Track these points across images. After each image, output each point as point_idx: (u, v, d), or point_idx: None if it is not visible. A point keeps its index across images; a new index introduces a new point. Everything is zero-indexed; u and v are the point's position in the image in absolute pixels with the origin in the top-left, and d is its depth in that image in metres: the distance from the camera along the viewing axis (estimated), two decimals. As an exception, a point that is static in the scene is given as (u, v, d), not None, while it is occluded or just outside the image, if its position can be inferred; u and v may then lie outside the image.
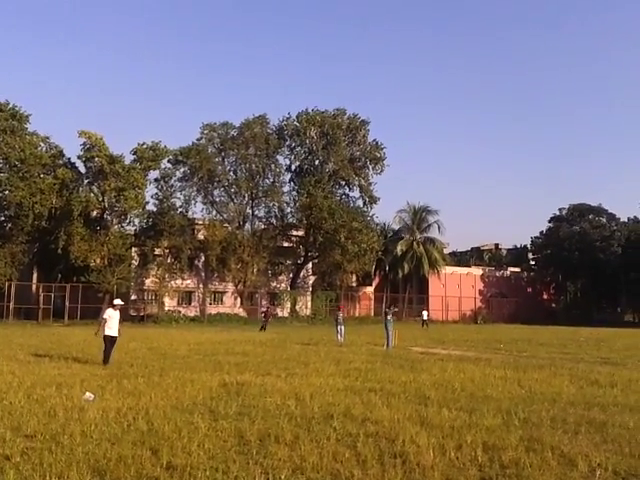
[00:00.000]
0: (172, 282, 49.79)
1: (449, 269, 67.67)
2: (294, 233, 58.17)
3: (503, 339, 30.28)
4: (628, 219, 75.07)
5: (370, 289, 67.18)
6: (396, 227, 67.55)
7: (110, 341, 14.94)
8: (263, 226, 57.60)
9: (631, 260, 66.66)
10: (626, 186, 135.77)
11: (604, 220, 74.72)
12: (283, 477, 5.52)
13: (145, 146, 47.14)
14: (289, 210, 58.57)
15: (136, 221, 49.68)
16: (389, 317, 23.80)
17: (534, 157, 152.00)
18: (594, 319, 63.49)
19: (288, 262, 58.50)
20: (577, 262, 69.70)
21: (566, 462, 6.21)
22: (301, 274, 59.15)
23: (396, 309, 36.21)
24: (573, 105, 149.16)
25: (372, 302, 65.58)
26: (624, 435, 7.51)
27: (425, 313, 47.83)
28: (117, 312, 15.37)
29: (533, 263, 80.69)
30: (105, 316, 15.31)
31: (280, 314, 54.12)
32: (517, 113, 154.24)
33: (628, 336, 36.39)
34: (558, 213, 77.64)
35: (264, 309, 45.64)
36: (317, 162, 59.67)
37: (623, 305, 76.40)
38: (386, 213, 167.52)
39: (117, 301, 16.06)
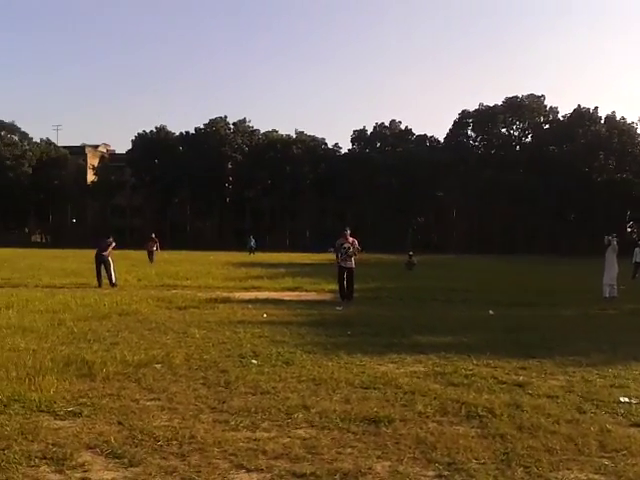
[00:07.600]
0: None
1: None
2: None
3: None
4: (41, 140, 75.13)
5: None
6: None
7: None
8: None
9: (41, 181, 67.46)
10: (42, 105, 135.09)
11: (17, 138, 72.48)
12: None
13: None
14: None
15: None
16: None
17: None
18: (1, 240, 61.39)
19: None
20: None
21: None
22: None
23: None
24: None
25: None
26: (13, 358, 7.13)
27: None
28: None
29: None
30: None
31: None
32: None
33: (33, 256, 36.70)
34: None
35: None
36: None
37: (31, 226, 77.10)
38: None
39: None
